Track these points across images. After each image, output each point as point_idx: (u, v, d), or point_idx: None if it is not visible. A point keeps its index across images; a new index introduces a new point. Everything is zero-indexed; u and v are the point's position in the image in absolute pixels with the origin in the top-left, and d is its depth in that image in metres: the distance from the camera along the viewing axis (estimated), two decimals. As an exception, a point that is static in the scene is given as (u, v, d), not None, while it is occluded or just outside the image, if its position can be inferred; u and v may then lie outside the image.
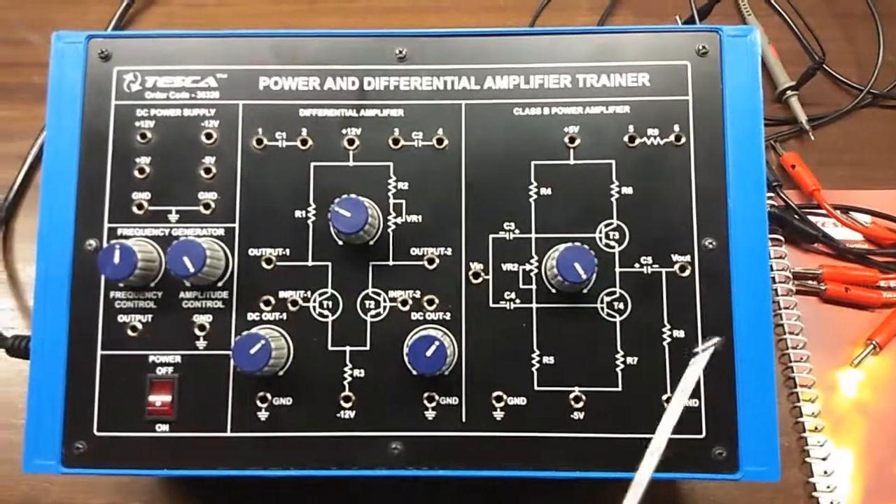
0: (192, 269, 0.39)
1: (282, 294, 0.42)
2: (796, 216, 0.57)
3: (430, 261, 0.42)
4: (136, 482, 0.52)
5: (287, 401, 0.41)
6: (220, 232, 0.42)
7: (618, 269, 0.42)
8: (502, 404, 0.41)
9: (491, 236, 0.42)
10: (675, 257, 0.42)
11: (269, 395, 0.41)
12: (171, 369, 0.41)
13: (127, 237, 0.42)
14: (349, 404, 0.41)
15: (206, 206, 0.42)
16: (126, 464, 0.41)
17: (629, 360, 0.41)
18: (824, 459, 0.52)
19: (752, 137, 0.42)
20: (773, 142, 0.61)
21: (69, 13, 0.67)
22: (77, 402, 0.41)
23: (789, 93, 0.61)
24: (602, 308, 0.41)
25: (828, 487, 0.51)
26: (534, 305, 0.42)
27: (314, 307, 0.42)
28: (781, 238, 0.57)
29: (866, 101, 0.62)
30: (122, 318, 0.42)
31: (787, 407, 0.54)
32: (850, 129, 0.62)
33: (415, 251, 0.42)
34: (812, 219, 0.58)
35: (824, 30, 0.63)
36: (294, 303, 0.42)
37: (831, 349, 0.55)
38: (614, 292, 0.42)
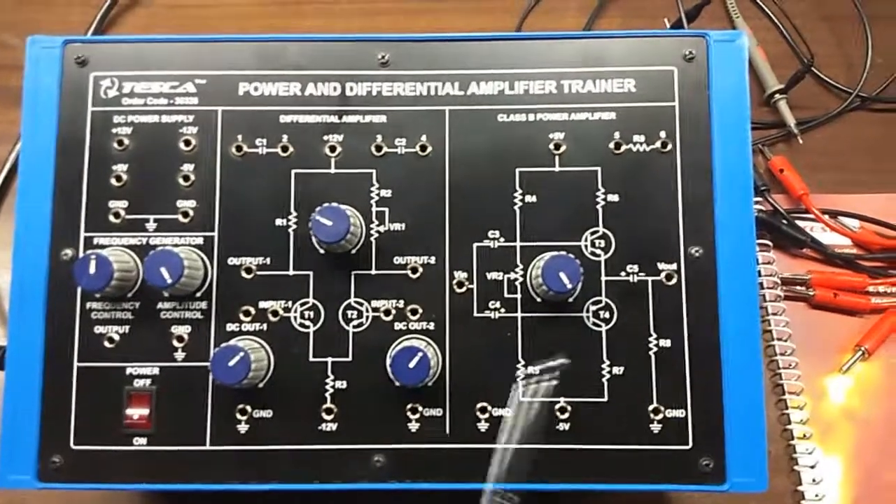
0: (169, 280, 0.38)
1: (262, 304, 0.41)
2: (784, 221, 0.57)
3: (414, 269, 0.41)
4: (116, 496, 0.51)
5: (268, 413, 0.40)
6: (199, 241, 0.41)
7: (603, 278, 0.41)
8: (487, 415, 0.40)
9: (475, 244, 0.42)
10: (661, 265, 0.41)
11: (249, 408, 0.40)
12: (148, 381, 0.41)
13: (103, 246, 0.41)
14: (331, 416, 0.40)
15: (185, 214, 0.42)
16: (104, 478, 0.40)
17: (615, 369, 0.40)
18: (813, 467, 0.52)
19: (739, 144, 0.42)
20: (761, 146, 0.60)
21: (50, 14, 0.65)
22: (53, 414, 0.40)
23: (777, 96, 0.61)
24: (588, 317, 0.41)
25: (816, 496, 0.51)
26: (519, 315, 0.41)
27: (295, 317, 0.41)
28: (769, 243, 0.57)
29: (855, 104, 0.62)
30: (98, 329, 0.41)
31: (775, 414, 0.54)
32: (838, 133, 0.62)
33: (398, 260, 0.41)
34: (800, 223, 0.57)
35: (813, 32, 0.63)
36: (275, 313, 0.41)
37: (820, 355, 0.55)
38: (600, 301, 0.41)
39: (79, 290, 0.41)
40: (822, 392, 0.54)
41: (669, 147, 0.42)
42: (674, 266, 0.41)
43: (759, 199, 0.57)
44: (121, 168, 0.42)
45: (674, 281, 0.41)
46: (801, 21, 0.63)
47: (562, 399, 0.40)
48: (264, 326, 0.41)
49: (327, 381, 0.41)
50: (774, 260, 0.57)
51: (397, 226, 0.42)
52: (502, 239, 0.42)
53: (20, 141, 0.57)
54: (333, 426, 0.40)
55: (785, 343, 0.55)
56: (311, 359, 0.41)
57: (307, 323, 0.41)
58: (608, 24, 0.65)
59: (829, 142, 0.61)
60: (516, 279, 0.41)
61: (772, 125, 0.62)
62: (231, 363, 0.38)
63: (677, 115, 0.42)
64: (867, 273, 0.57)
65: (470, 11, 0.66)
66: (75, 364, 0.41)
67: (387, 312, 0.41)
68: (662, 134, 0.42)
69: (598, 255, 0.41)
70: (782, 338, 0.55)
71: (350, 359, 0.41)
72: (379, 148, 0.42)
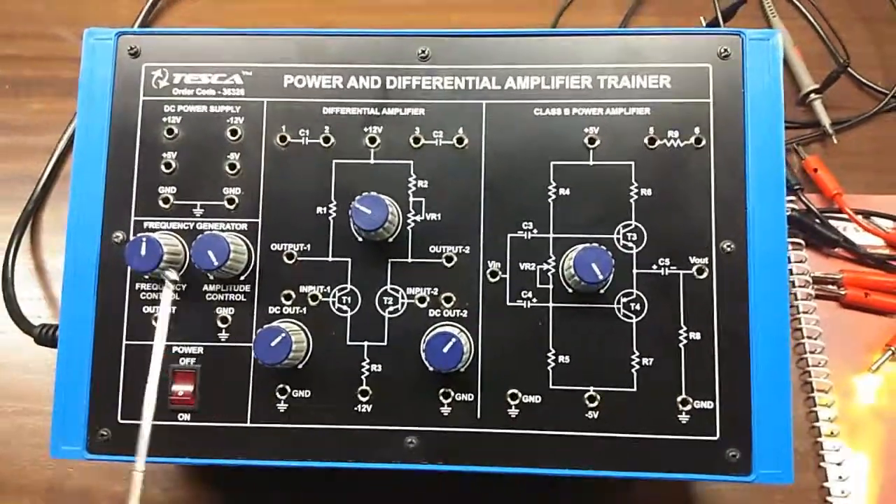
0: (216, 263, 0.40)
1: (302, 288, 0.43)
2: (817, 220, 0.57)
3: (449, 259, 0.42)
4: (158, 469, 0.53)
5: (306, 393, 0.42)
6: (244, 227, 0.43)
7: (635, 271, 0.42)
8: (517, 402, 0.41)
9: (509, 235, 0.43)
10: (692, 259, 0.42)
11: (288, 388, 0.42)
12: (193, 360, 0.42)
13: (153, 230, 0.43)
14: (366, 398, 0.42)
15: (231, 201, 0.43)
16: (148, 451, 0.42)
17: (645, 360, 0.41)
18: (839, 464, 0.52)
19: (772, 141, 0.42)
20: (795, 145, 0.60)
21: (99, 8, 0.68)
22: (102, 390, 0.42)
23: (813, 95, 0.61)
24: (618, 309, 0.42)
25: (842, 492, 0.51)
26: (550, 305, 0.42)
27: (333, 302, 0.42)
28: (802, 242, 0.57)
29: (891, 105, 0.62)
30: (147, 309, 0.43)
31: (803, 411, 0.54)
32: (873, 134, 0.62)
33: (433, 249, 0.43)
34: (833, 223, 0.57)
35: (849, 33, 0.63)
36: (314, 297, 0.42)
37: (849, 354, 0.55)
38: (631, 293, 0.42)
39: (128, 270, 0.43)
40: (851, 390, 0.54)
41: (703, 143, 0.42)
42: (705, 260, 0.42)
43: (792, 198, 0.57)
44: (170, 155, 0.44)
45: (705, 275, 0.42)
46: (838, 21, 0.63)
47: (591, 388, 0.41)
48: (304, 310, 0.42)
49: (363, 364, 0.42)
50: (806, 259, 0.57)
51: (433, 216, 0.43)
52: (536, 230, 0.43)
53: (70, 128, 0.61)
54: (368, 408, 0.42)
55: (815, 341, 0.55)
56: (348, 342, 0.42)
57: (345, 308, 0.42)
58: (644, 22, 0.65)
59: (863, 142, 0.61)
60: (549, 270, 0.42)
61: (807, 125, 0.62)
62: (273, 344, 0.39)
63: (712, 112, 0.43)
64: (900, 274, 0.57)
65: (505, 8, 0.67)
66: (124, 342, 0.43)
67: (421, 299, 0.42)
68: (696, 130, 0.43)
69: (630, 248, 0.42)
70: (812, 336, 0.55)
71: (385, 343, 0.42)
72: (417, 140, 0.43)
